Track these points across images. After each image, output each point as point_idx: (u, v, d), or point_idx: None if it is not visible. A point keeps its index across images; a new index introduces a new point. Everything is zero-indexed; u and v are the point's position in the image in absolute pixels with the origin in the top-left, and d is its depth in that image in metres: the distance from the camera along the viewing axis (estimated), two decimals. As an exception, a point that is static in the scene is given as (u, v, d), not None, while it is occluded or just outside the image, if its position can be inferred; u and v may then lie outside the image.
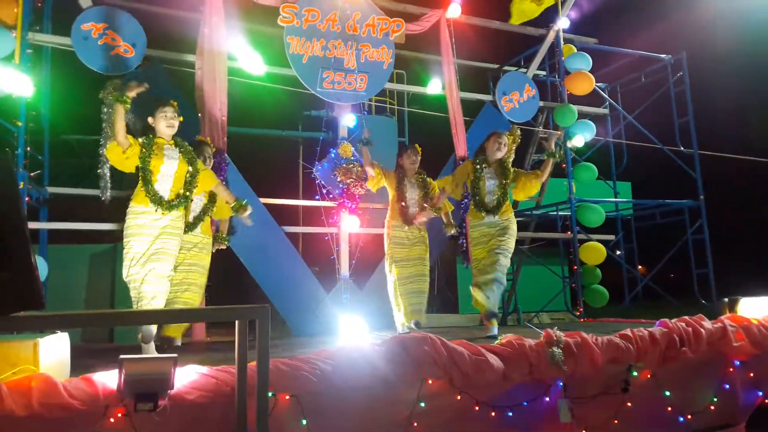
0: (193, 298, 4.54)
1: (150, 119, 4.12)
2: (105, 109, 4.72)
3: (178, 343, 4.55)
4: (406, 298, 5.14)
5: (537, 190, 5.33)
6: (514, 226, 5.12)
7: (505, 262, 4.99)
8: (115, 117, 3.98)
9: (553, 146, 5.19)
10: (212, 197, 4.67)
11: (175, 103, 4.21)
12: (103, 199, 5.01)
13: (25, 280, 1.98)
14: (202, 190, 4.48)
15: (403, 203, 5.23)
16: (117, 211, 4.93)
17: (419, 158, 5.34)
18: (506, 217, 5.08)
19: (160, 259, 4.02)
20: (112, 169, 4.83)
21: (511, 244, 5.04)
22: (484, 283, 4.88)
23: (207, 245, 4.71)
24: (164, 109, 4.09)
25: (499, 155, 5.12)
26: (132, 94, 3.96)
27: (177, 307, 4.36)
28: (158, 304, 3.96)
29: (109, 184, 5.00)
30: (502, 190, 5.07)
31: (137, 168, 4.06)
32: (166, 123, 4.09)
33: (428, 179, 5.42)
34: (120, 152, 4.01)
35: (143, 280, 3.95)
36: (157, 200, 4.00)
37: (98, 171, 4.87)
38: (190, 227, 4.53)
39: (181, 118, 4.27)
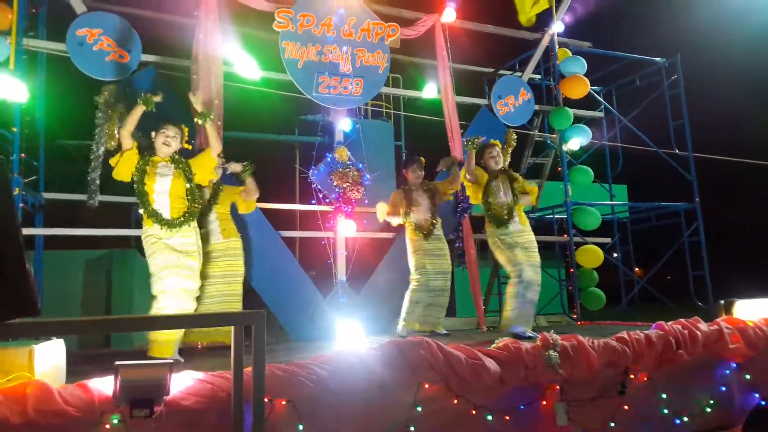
0: (230, 308, 4.54)
1: (153, 134, 4.21)
2: (99, 114, 4.70)
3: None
4: (424, 309, 5.23)
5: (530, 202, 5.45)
6: (533, 237, 5.22)
7: (539, 279, 5.06)
8: (132, 113, 4.10)
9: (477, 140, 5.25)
10: (192, 184, 4.61)
11: (186, 129, 4.33)
12: (88, 204, 4.97)
13: (20, 287, 1.97)
14: (229, 200, 4.76)
15: (418, 217, 5.32)
16: (112, 216, 4.93)
17: (422, 170, 5.50)
18: (527, 225, 5.18)
19: (179, 274, 4.01)
20: (102, 175, 4.85)
21: (537, 257, 5.13)
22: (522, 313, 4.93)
23: (236, 249, 4.73)
24: (165, 127, 4.18)
25: (499, 165, 5.20)
26: (158, 99, 4.16)
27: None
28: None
29: (98, 190, 4.95)
30: (514, 196, 5.11)
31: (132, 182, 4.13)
32: (162, 140, 4.16)
33: (431, 183, 5.55)
34: (120, 160, 4.07)
35: (164, 298, 3.97)
36: (159, 220, 4.05)
37: (89, 177, 4.85)
38: (175, 224, 4.49)
39: (188, 146, 4.40)
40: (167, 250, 4.00)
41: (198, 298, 4.23)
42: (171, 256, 4.00)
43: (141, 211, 4.10)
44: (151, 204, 4.06)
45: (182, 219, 4.08)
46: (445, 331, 5.31)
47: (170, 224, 4.03)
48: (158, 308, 3.96)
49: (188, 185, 4.20)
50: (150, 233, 4.04)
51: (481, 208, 5.29)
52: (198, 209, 4.24)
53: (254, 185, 4.86)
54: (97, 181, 4.89)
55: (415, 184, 5.47)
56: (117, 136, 4.19)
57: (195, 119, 4.48)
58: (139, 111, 4.11)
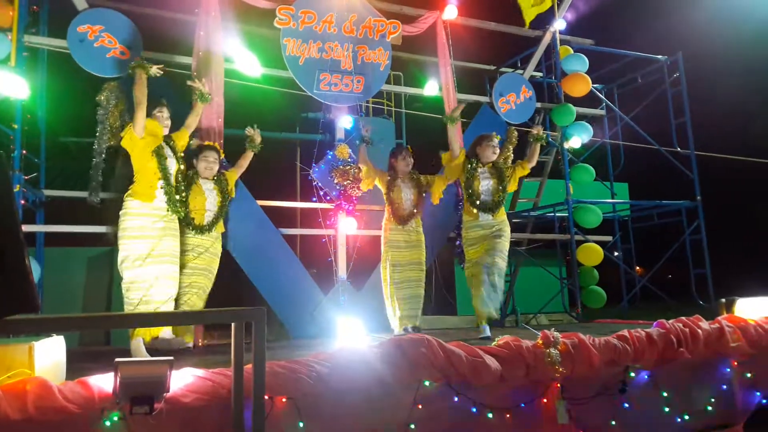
0: (196, 301, 4.55)
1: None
2: (100, 111, 4.70)
3: (189, 345, 4.53)
4: (402, 303, 5.16)
5: (526, 172, 5.41)
6: (508, 229, 5.18)
7: (502, 264, 5.01)
8: (136, 86, 4.23)
9: (537, 131, 5.34)
10: (225, 201, 4.76)
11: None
12: (89, 201, 4.97)
13: (20, 284, 1.97)
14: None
15: (397, 204, 5.24)
16: (114, 213, 4.93)
17: (412, 160, 5.41)
18: (501, 218, 5.12)
19: (165, 261, 4.03)
20: (104, 173, 4.86)
21: (506, 246, 5.08)
22: (481, 295, 4.93)
23: (218, 249, 4.76)
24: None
25: (494, 158, 5.17)
26: (154, 69, 4.35)
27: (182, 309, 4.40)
28: (169, 307, 3.99)
29: (99, 187, 4.96)
30: (498, 190, 5.09)
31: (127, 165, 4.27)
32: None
33: (420, 177, 5.46)
34: (136, 137, 4.17)
35: (151, 285, 3.97)
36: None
37: (90, 173, 4.86)
38: (206, 229, 4.59)
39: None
40: (153, 232, 4.04)
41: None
42: (160, 243, 4.05)
43: (140, 186, 4.17)
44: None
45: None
46: (416, 327, 5.13)
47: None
48: (150, 296, 3.98)
49: (181, 167, 4.47)
50: (139, 212, 4.10)
51: (463, 193, 5.27)
52: (181, 196, 4.42)
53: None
54: (99, 179, 4.90)
55: (403, 172, 5.36)
56: (129, 122, 4.28)
57: (194, 98, 4.66)
58: (142, 78, 4.25)
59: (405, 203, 5.27)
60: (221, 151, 4.91)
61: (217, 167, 4.72)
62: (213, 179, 4.72)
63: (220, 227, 4.76)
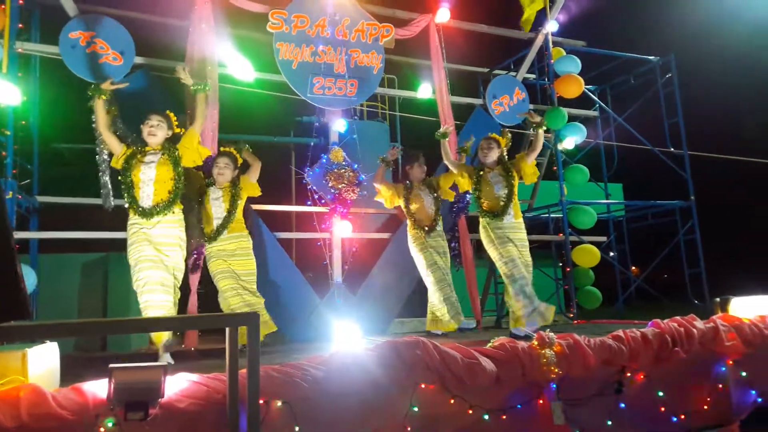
0: (231, 302, 4.58)
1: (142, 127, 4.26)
2: (95, 119, 4.69)
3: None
4: (446, 304, 5.31)
5: (533, 168, 5.31)
6: (524, 233, 5.18)
7: (529, 277, 5.03)
8: (96, 110, 4.15)
9: (536, 118, 5.24)
10: (234, 202, 4.69)
11: (172, 116, 4.28)
12: (106, 207, 4.96)
13: (10, 291, 1.96)
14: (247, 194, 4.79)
15: (419, 213, 5.37)
16: (108, 219, 4.92)
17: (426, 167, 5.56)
18: (520, 220, 5.15)
19: (153, 267, 4.01)
20: (92, 179, 4.85)
21: (529, 256, 5.11)
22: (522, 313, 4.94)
23: (247, 248, 4.73)
24: (148, 118, 4.19)
25: (493, 156, 5.14)
26: (107, 86, 4.17)
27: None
28: (155, 313, 3.95)
29: (110, 193, 4.93)
30: (510, 189, 5.06)
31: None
32: (147, 131, 4.18)
33: (432, 180, 5.59)
34: (115, 158, 4.11)
35: (143, 291, 3.97)
36: (135, 208, 4.06)
37: (101, 179, 4.85)
38: (211, 238, 4.59)
39: (179, 130, 4.32)
40: (144, 237, 4.01)
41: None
42: (148, 249, 4.01)
43: (125, 202, 4.10)
44: (135, 192, 4.06)
45: (159, 208, 4.04)
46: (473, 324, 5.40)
47: (145, 212, 4.02)
48: (145, 302, 3.98)
49: (175, 170, 4.15)
50: (132, 221, 4.06)
51: (474, 200, 5.29)
52: (178, 195, 4.14)
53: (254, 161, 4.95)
54: (109, 185, 4.89)
55: (418, 180, 5.49)
56: (122, 127, 4.24)
57: (191, 89, 4.46)
58: (99, 105, 4.15)
59: (428, 210, 5.39)
60: (237, 154, 4.78)
61: (229, 172, 4.65)
62: (223, 188, 4.68)
63: (238, 228, 4.70)
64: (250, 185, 4.82)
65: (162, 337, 4.00)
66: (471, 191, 5.26)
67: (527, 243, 5.12)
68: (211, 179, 4.69)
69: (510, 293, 4.95)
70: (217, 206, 4.65)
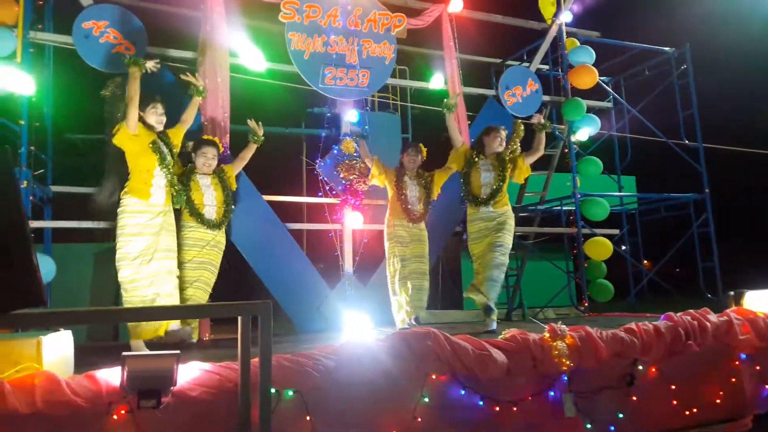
0: (201, 295, 4.56)
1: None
2: (107, 108, 4.71)
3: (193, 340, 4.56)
4: (410, 295, 5.15)
5: (527, 170, 5.35)
6: (512, 221, 5.16)
7: (503, 259, 4.99)
8: (130, 83, 4.19)
9: (541, 119, 5.30)
10: (228, 195, 4.76)
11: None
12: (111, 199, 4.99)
13: (26, 278, 1.98)
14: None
15: (403, 202, 5.24)
16: (107, 209, 4.93)
17: (421, 157, 5.38)
18: (503, 210, 5.10)
19: (163, 257, 4.04)
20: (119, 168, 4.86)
21: (507, 240, 5.07)
22: (479, 283, 4.98)
23: (220, 243, 4.75)
24: (155, 105, 4.29)
25: (500, 149, 5.15)
26: (150, 63, 4.36)
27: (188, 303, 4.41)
28: (171, 302, 4.01)
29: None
30: (499, 182, 5.07)
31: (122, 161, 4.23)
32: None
33: (427, 174, 5.44)
34: (129, 133, 4.13)
35: (151, 282, 3.98)
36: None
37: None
38: (216, 225, 4.62)
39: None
40: (152, 228, 4.07)
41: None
42: (157, 239, 4.07)
43: (134, 183, 4.15)
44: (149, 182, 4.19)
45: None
46: (418, 318, 5.19)
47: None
48: (149, 295, 4.00)
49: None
50: (137, 209, 4.09)
51: (461, 185, 5.26)
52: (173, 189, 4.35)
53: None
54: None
55: (410, 169, 5.37)
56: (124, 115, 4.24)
57: (189, 92, 4.65)
58: (134, 74, 4.21)
59: (411, 199, 5.26)
60: (221, 145, 4.88)
61: (215, 163, 4.70)
62: (211, 174, 4.71)
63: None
64: (233, 178, 4.92)
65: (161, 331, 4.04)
66: (462, 174, 5.23)
67: (510, 225, 5.12)
68: (191, 166, 4.68)
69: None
70: (208, 194, 4.65)
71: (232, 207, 4.84)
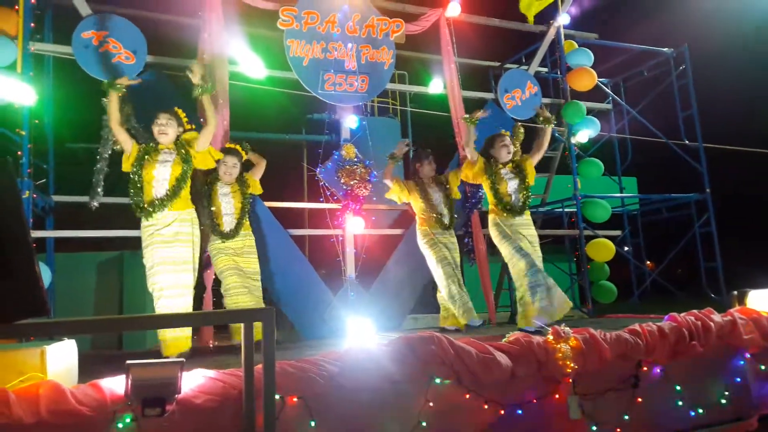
0: (240, 300, 4.50)
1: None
2: (105, 117, 4.72)
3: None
4: (459, 298, 5.22)
5: (533, 171, 5.30)
6: (534, 229, 5.18)
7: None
8: (109, 105, 4.17)
9: (546, 113, 5.27)
10: (245, 199, 4.71)
11: (181, 112, 4.31)
12: (90, 205, 4.98)
13: (29, 288, 1.98)
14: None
15: (432, 210, 5.32)
16: (123, 218, 4.95)
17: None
18: (528, 216, 5.16)
19: (172, 271, 4.03)
20: (113, 177, 4.88)
21: (540, 252, 5.08)
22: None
23: (252, 246, 4.72)
24: (157, 117, 4.26)
25: (509, 158, 5.14)
26: (124, 81, 4.24)
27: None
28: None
29: (101, 191, 4.96)
30: (524, 189, 5.05)
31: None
32: (157, 131, 4.25)
33: (442, 177, 5.54)
34: (126, 156, 4.14)
35: (161, 295, 3.99)
36: (137, 206, 4.13)
37: (95, 177, 4.89)
38: (229, 235, 4.57)
39: (189, 126, 4.35)
40: (159, 238, 4.05)
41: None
42: (164, 250, 4.04)
43: (132, 201, 4.12)
44: (146, 190, 4.11)
45: (156, 205, 4.08)
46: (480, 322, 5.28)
47: (144, 212, 4.10)
48: (157, 306, 4.01)
49: (184, 168, 4.23)
50: (146, 224, 4.10)
51: (488, 196, 5.23)
52: (173, 197, 4.16)
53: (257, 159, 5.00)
54: (101, 183, 4.91)
55: (428, 177, 5.45)
56: (136, 125, 4.25)
57: (195, 93, 4.49)
58: (113, 100, 4.17)
59: (439, 206, 5.35)
60: (243, 152, 4.80)
61: (236, 171, 4.65)
62: (231, 184, 4.66)
63: (244, 227, 4.72)
64: (255, 183, 4.87)
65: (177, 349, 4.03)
66: (488, 187, 5.18)
67: (538, 240, 5.11)
68: (214, 175, 4.66)
69: (525, 286, 4.88)
70: (226, 202, 4.62)
71: (248, 212, 4.74)
